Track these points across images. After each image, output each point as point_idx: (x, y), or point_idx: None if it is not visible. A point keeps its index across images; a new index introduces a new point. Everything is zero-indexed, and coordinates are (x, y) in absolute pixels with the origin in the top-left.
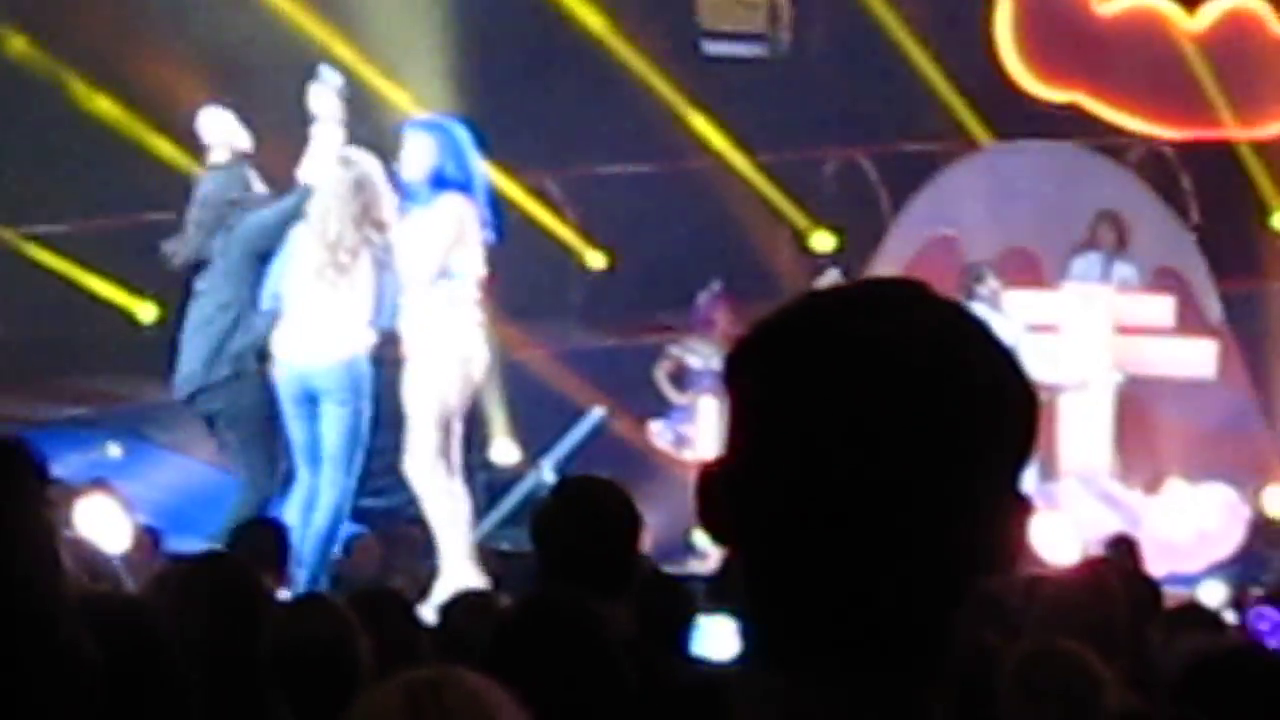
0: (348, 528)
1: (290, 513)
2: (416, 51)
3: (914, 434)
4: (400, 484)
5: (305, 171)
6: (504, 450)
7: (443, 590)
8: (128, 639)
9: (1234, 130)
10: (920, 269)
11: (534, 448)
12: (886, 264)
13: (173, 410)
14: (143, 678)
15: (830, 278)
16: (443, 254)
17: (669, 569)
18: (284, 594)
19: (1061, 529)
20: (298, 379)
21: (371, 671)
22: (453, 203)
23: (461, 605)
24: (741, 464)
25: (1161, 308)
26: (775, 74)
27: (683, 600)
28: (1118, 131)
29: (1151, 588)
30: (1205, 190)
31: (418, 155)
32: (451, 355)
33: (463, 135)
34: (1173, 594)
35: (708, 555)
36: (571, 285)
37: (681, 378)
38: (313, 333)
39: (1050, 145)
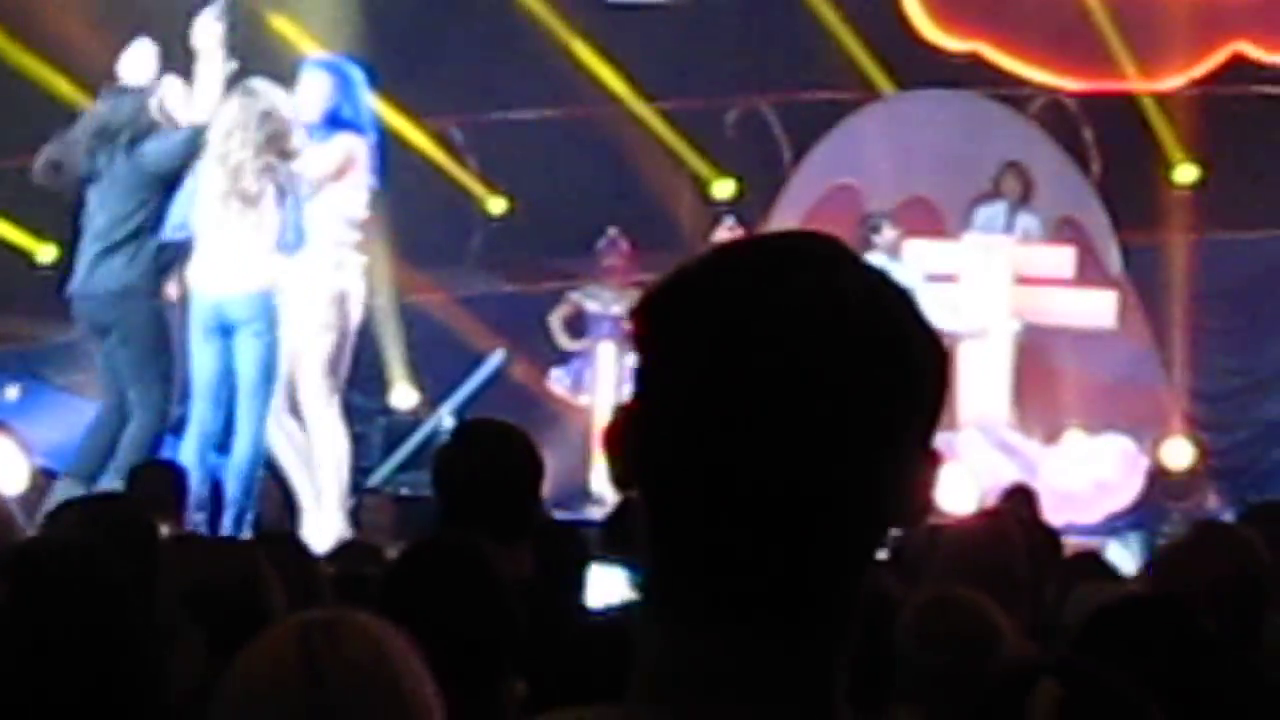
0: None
1: (187, 453)
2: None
3: (826, 389)
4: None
5: (198, 108)
6: (403, 395)
7: (311, 532)
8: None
9: (1136, 82)
10: (820, 218)
11: (433, 393)
12: (787, 212)
13: (70, 352)
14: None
15: (727, 226)
16: (324, 187)
17: (565, 515)
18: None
19: (960, 478)
20: (212, 309)
21: (283, 615)
22: (346, 141)
23: (352, 552)
24: (648, 411)
25: (1061, 258)
26: (677, 21)
27: (579, 546)
28: (1020, 82)
29: (1051, 537)
30: (1107, 142)
31: (314, 95)
32: (328, 293)
33: (358, 77)
34: (1071, 544)
35: (604, 501)
36: (472, 231)
37: (579, 323)
38: (225, 263)
39: (952, 95)
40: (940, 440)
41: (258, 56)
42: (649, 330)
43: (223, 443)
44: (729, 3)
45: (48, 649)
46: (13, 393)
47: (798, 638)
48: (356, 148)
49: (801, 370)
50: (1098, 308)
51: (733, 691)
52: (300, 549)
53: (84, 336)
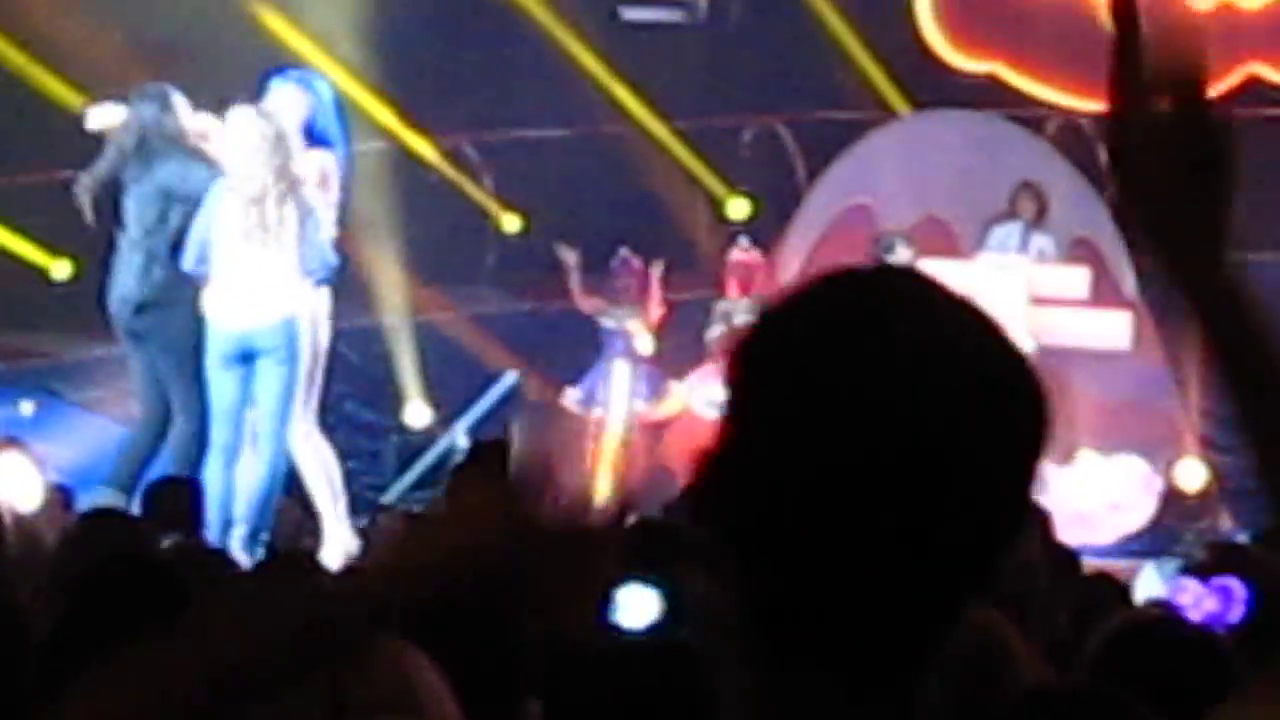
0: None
1: (211, 473)
2: (331, 12)
3: (933, 438)
4: None
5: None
6: (416, 413)
7: (329, 554)
8: None
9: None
10: (835, 237)
11: (447, 411)
12: (802, 232)
13: (86, 368)
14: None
15: (742, 246)
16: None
17: None
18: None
19: None
20: (235, 339)
21: None
22: (318, 158)
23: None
24: (743, 457)
25: (1077, 279)
26: (693, 40)
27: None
28: (1035, 103)
29: (1069, 559)
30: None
31: (285, 110)
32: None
33: (327, 92)
34: (1090, 565)
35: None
36: (486, 248)
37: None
38: (248, 295)
39: (968, 115)
40: None
41: (268, 70)
42: (746, 377)
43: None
44: (744, 22)
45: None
46: (27, 409)
47: (888, 684)
48: (328, 164)
49: (908, 420)
50: (1112, 329)
51: None
52: (314, 568)
53: (120, 348)
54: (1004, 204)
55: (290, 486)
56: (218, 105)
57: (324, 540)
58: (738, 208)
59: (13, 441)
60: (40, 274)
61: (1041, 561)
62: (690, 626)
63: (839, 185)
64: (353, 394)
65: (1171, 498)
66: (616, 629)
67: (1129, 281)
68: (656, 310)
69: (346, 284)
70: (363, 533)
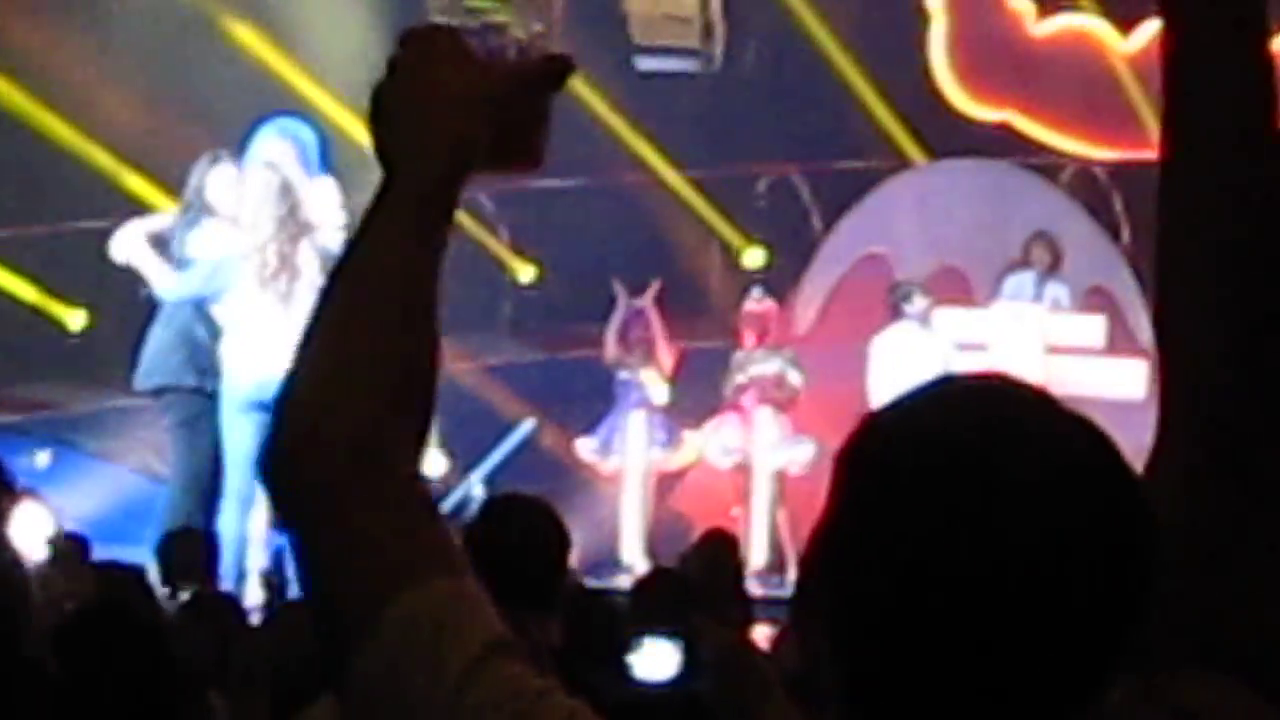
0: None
1: (226, 522)
2: (349, 61)
3: (1054, 558)
4: None
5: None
6: (433, 463)
7: None
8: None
9: None
10: (850, 287)
11: (463, 460)
12: (817, 281)
13: (101, 418)
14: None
15: (755, 296)
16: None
17: (594, 583)
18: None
19: None
20: (255, 388)
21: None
22: (325, 187)
23: None
24: (859, 558)
25: (1092, 328)
26: (708, 90)
27: (612, 617)
28: (1050, 151)
29: None
30: (1137, 210)
31: (274, 158)
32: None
33: (312, 140)
34: None
35: (633, 570)
36: (501, 299)
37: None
38: (268, 342)
39: (982, 164)
40: None
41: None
42: (858, 486)
43: None
44: (759, 71)
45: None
46: (43, 459)
47: None
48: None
49: (1031, 540)
50: (1129, 377)
51: None
52: None
53: (134, 399)
54: (1018, 253)
55: None
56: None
57: None
58: (753, 257)
59: (28, 492)
60: (56, 325)
61: None
62: (707, 679)
63: (854, 234)
64: None
65: None
66: (636, 682)
67: (1144, 329)
68: (668, 357)
69: None
70: None
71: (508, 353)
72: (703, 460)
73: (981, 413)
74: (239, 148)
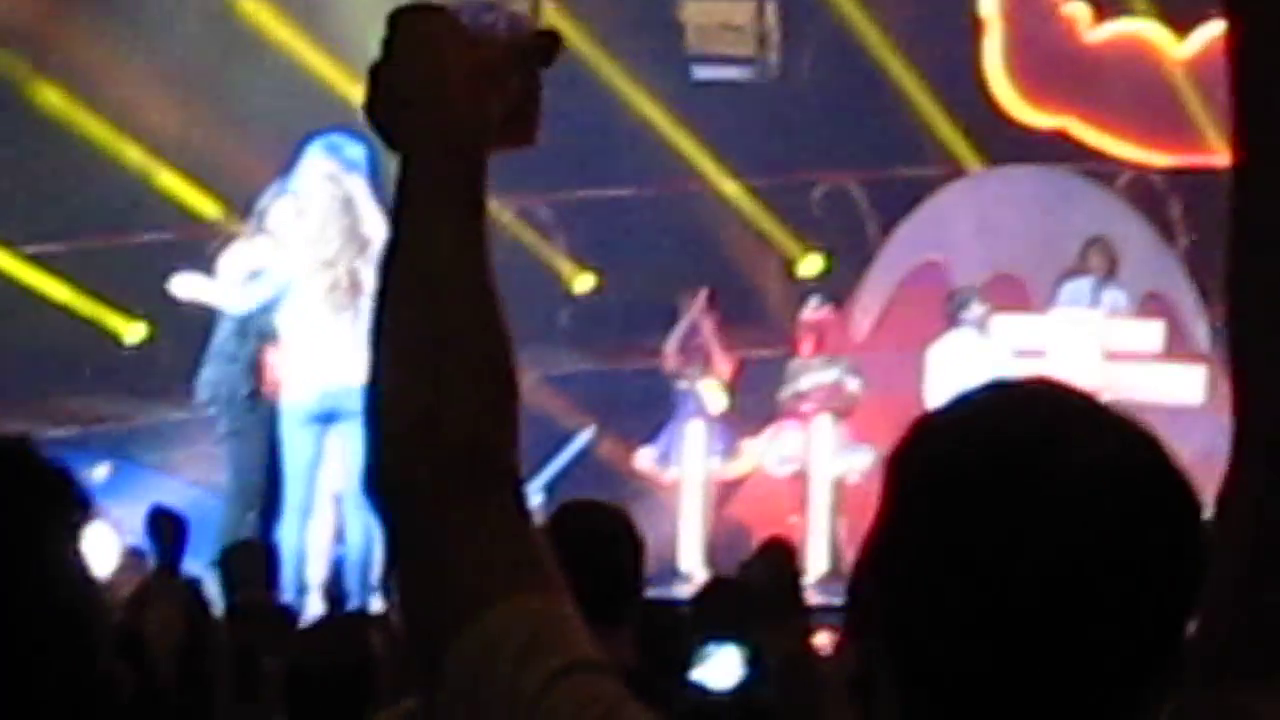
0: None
1: (287, 536)
2: None
3: (1103, 561)
4: None
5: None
6: None
7: None
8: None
9: (1222, 156)
10: (908, 294)
11: (521, 471)
12: (874, 289)
13: (160, 431)
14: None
15: (813, 305)
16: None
17: (654, 593)
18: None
19: None
20: (317, 401)
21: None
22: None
23: None
24: (903, 564)
25: (1150, 333)
26: (764, 98)
27: (676, 626)
28: (1106, 157)
29: None
30: (1193, 216)
31: (332, 173)
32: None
33: (359, 156)
34: None
35: (692, 579)
36: (559, 308)
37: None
38: (332, 358)
39: (1039, 171)
40: None
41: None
42: (907, 493)
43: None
44: (815, 80)
45: None
46: (102, 473)
47: None
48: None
49: (1078, 544)
50: (1186, 383)
51: None
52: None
53: (193, 412)
54: (1075, 259)
55: None
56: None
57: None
58: (810, 265)
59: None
60: (114, 338)
61: None
62: (770, 686)
63: (911, 242)
64: None
65: None
66: (702, 689)
67: (1202, 335)
68: (725, 366)
69: None
70: None
71: (566, 362)
72: (761, 469)
73: (1031, 415)
74: (289, 164)
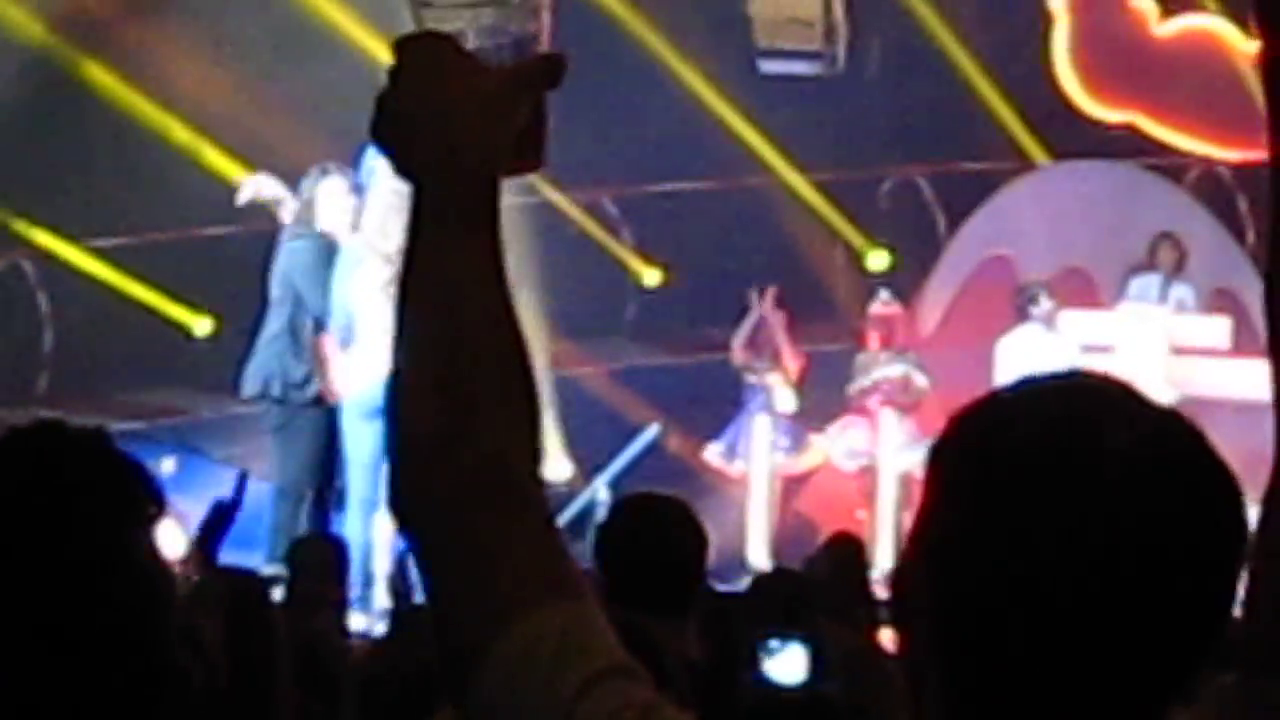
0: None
1: (352, 530)
2: None
3: (1144, 553)
4: None
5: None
6: (558, 467)
7: None
8: None
9: None
10: (976, 289)
11: (588, 465)
12: (942, 283)
13: (227, 425)
14: None
15: (883, 299)
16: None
17: (722, 587)
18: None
19: None
20: (378, 395)
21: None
22: None
23: None
24: (951, 555)
25: (1218, 329)
26: (831, 92)
27: (746, 620)
28: (1174, 152)
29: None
30: (1262, 211)
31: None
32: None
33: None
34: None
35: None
36: (626, 302)
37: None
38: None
39: (1107, 165)
40: None
41: None
42: (949, 485)
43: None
44: (882, 74)
45: None
46: (169, 466)
47: None
48: None
49: (1118, 534)
50: (1255, 378)
51: None
52: None
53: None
54: (1143, 254)
55: None
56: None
57: None
58: (877, 259)
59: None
60: (182, 331)
61: None
62: (835, 681)
63: (978, 236)
64: None
65: None
66: (768, 683)
67: None
68: (793, 362)
69: None
70: None
71: (633, 356)
72: (828, 463)
73: (1072, 403)
74: (355, 158)
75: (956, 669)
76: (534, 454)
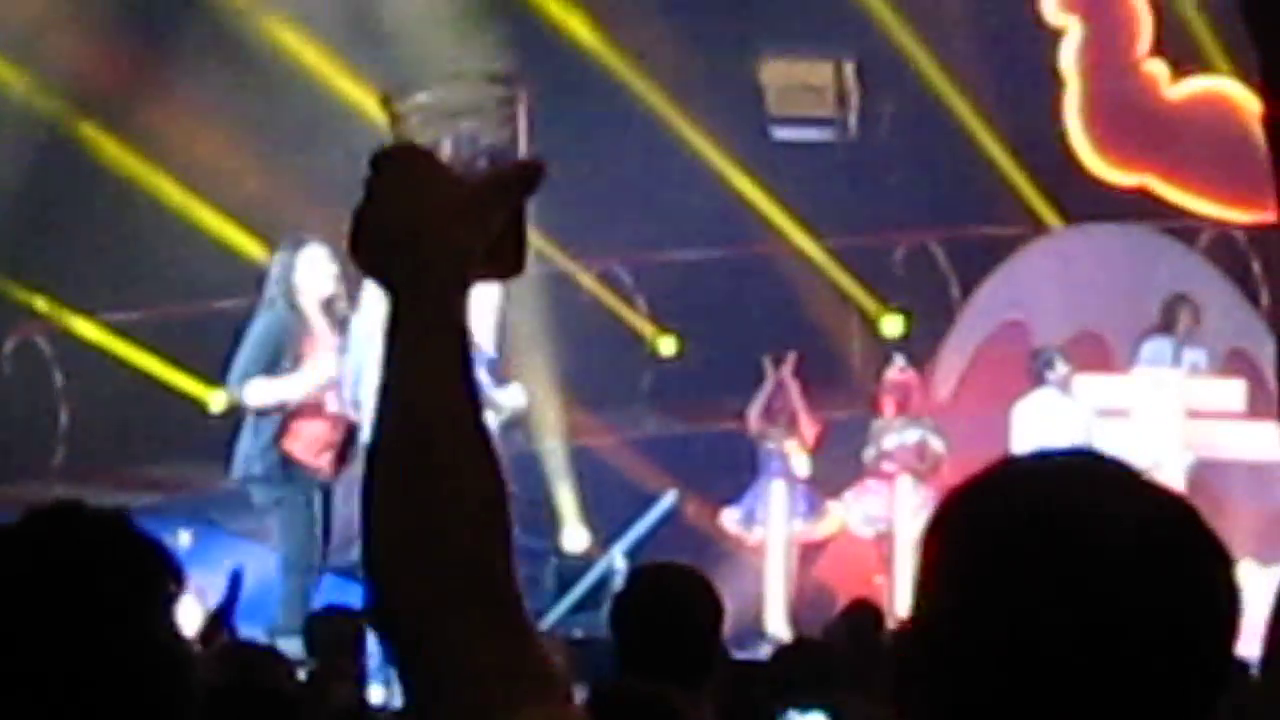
0: None
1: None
2: None
3: (1146, 628)
4: None
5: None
6: (574, 536)
7: None
8: None
9: None
10: (990, 354)
11: (604, 534)
12: (956, 349)
13: (243, 498)
14: None
15: (899, 366)
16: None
17: (740, 655)
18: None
19: None
20: None
21: None
22: None
23: None
24: (947, 633)
25: (1233, 391)
26: (844, 158)
27: (761, 688)
28: (1187, 215)
29: (1241, 670)
30: (1276, 273)
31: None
32: None
33: None
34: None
35: (778, 640)
36: (642, 371)
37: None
38: None
39: (1120, 228)
40: None
41: None
42: (948, 565)
43: None
44: (894, 139)
45: None
46: (185, 539)
47: None
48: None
49: (1121, 610)
50: (1270, 440)
51: None
52: None
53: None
54: (1157, 317)
55: None
56: (300, 240)
57: None
58: (891, 325)
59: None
60: (197, 405)
61: None
62: None
63: (992, 301)
64: None
65: None
66: None
67: None
68: (810, 429)
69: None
70: None
71: (649, 426)
72: (845, 529)
73: (1071, 488)
74: None
75: None
76: (509, 561)
